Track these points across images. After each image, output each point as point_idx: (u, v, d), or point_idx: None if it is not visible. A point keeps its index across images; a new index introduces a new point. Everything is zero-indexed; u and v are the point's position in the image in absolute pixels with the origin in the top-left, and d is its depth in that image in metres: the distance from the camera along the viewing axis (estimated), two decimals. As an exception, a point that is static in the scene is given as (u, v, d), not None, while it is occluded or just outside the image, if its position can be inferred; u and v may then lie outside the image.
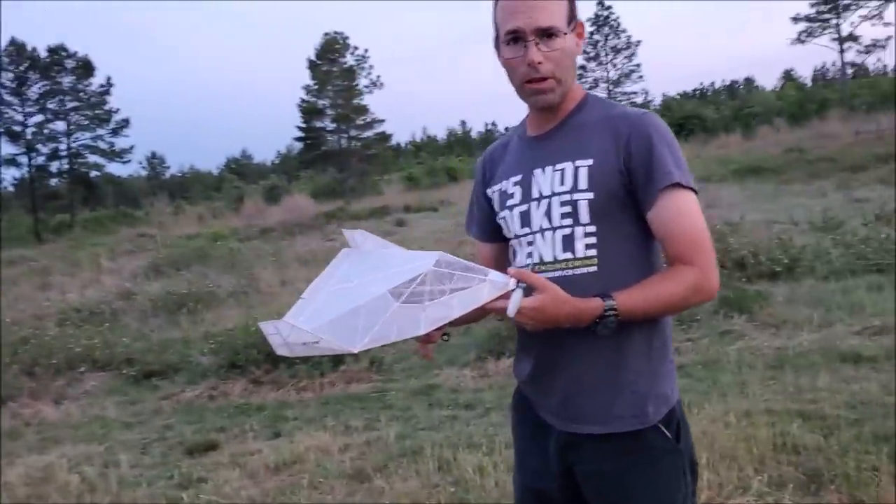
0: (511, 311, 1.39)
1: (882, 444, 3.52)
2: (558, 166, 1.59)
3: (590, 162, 1.55)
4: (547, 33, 1.53)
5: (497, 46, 1.63)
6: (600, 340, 1.50)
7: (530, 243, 1.62)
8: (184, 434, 5.33)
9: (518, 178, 1.67)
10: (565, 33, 1.54)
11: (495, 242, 1.79)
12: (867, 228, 9.26)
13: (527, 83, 1.58)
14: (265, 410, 5.75)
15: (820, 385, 4.61)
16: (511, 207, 1.67)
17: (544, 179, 1.60)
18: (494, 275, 1.41)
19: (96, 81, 42.19)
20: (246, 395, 6.25)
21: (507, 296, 1.40)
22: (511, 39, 1.56)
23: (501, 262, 1.74)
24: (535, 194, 1.61)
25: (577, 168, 1.56)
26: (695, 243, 1.52)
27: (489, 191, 1.77)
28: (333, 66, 41.56)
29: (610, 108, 1.63)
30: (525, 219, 1.64)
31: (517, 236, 1.67)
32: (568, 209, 1.56)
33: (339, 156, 41.09)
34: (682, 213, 1.52)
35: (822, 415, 4.07)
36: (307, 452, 4.46)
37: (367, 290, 1.41)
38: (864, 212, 10.33)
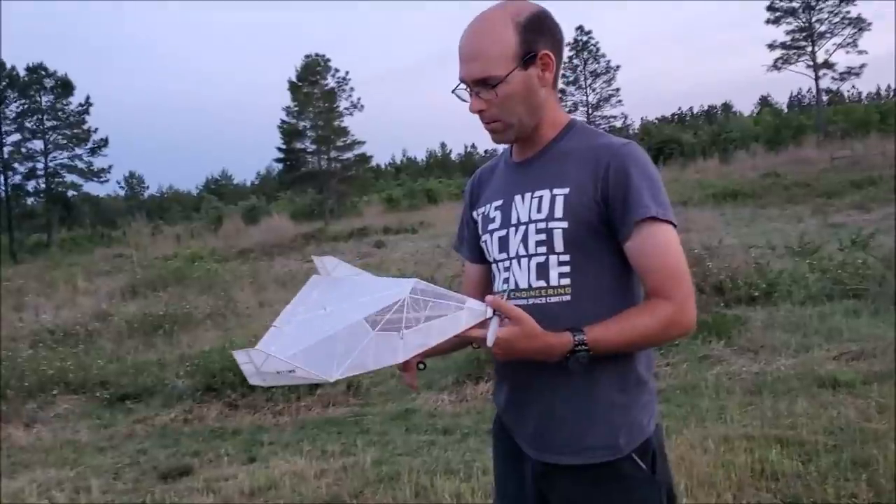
0: (490, 341, 1.37)
1: (861, 470, 3.52)
2: (536, 193, 1.58)
3: (566, 191, 1.54)
4: (483, 83, 1.53)
5: None
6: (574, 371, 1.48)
7: (506, 269, 1.62)
8: (157, 459, 5.23)
9: (500, 202, 1.67)
10: (507, 76, 1.50)
11: (484, 264, 1.78)
12: (843, 254, 9.33)
13: (483, 123, 1.60)
14: (241, 435, 5.67)
15: (798, 410, 4.61)
16: (491, 232, 1.67)
17: (523, 206, 1.60)
18: (472, 302, 1.40)
19: (75, 100, 42.09)
20: (221, 418, 6.17)
21: (484, 324, 1.39)
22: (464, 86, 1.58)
23: (490, 283, 1.74)
24: (514, 220, 1.61)
25: (553, 196, 1.55)
26: (672, 277, 1.49)
27: (474, 213, 1.77)
28: (314, 88, 41.61)
29: (594, 137, 1.61)
30: (503, 244, 1.63)
31: (496, 261, 1.67)
32: (543, 237, 1.55)
33: (319, 177, 41.01)
34: (658, 246, 1.50)
35: (801, 441, 4.06)
36: (283, 478, 4.39)
37: (342, 318, 1.38)
38: (839, 237, 10.42)
